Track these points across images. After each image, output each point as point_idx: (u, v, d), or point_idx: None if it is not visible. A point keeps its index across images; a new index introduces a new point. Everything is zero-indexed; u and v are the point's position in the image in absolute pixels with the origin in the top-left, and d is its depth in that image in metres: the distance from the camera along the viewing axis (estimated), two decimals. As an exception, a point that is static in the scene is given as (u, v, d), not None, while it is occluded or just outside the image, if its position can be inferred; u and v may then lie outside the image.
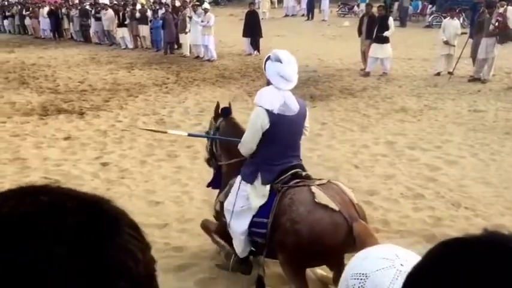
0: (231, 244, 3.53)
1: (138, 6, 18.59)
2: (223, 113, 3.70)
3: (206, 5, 15.41)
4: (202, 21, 14.37)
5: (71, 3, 22.84)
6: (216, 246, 3.92)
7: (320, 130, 7.50)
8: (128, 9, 18.11)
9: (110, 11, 18.64)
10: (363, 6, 20.18)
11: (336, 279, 3.12)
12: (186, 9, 15.85)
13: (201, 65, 13.82)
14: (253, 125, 3.14)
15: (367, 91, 10.19)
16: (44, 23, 22.06)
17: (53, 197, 0.53)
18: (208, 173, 4.20)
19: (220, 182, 3.74)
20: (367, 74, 11.71)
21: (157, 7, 18.04)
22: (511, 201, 5.02)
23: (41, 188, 0.55)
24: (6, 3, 28.87)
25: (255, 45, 15.28)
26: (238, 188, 3.30)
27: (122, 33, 17.78)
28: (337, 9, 27.02)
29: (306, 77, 11.10)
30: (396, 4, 24.18)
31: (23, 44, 20.11)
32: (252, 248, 3.44)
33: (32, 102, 9.75)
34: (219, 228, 3.69)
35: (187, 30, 15.20)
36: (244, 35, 15.59)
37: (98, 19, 19.06)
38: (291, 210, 2.99)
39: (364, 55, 12.20)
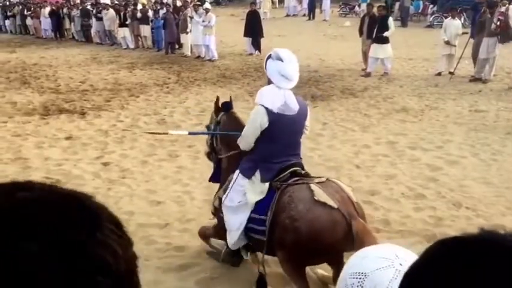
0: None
1: (139, 6, 18.58)
2: (224, 108, 3.71)
3: (207, 5, 15.42)
4: (203, 21, 14.37)
5: (72, 3, 22.86)
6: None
7: (321, 130, 7.50)
8: (129, 9, 18.11)
9: (111, 11, 18.65)
10: (364, 6, 20.15)
11: (335, 277, 3.12)
12: (187, 9, 15.85)
13: (202, 65, 13.82)
14: (252, 122, 3.16)
15: (368, 91, 10.19)
16: (46, 23, 22.08)
17: (34, 192, 0.53)
18: (209, 174, 4.20)
19: (220, 176, 3.74)
20: (368, 74, 11.70)
21: (159, 7, 18.07)
22: (512, 201, 5.02)
23: (22, 184, 0.55)
24: (7, 3, 28.91)
25: (256, 45, 15.28)
26: (234, 182, 3.31)
27: (123, 33, 17.79)
28: (338, 9, 27.00)
29: (307, 77, 11.11)
30: (397, 4, 24.16)
31: (24, 44, 20.14)
32: (248, 243, 3.45)
33: (33, 102, 9.76)
34: (217, 229, 3.69)
35: (188, 30, 15.21)
36: (246, 34, 15.59)
37: (99, 19, 19.08)
38: (290, 208, 3.00)
39: (365, 55, 12.19)
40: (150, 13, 17.61)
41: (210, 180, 4.00)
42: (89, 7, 20.89)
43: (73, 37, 21.52)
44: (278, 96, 3.12)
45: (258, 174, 3.23)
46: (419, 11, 24.95)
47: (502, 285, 0.48)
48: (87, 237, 0.51)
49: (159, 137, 6.91)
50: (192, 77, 12.19)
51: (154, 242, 4.28)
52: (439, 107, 8.84)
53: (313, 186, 3.01)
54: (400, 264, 0.99)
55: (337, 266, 3.06)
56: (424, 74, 11.90)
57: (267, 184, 3.21)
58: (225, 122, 3.66)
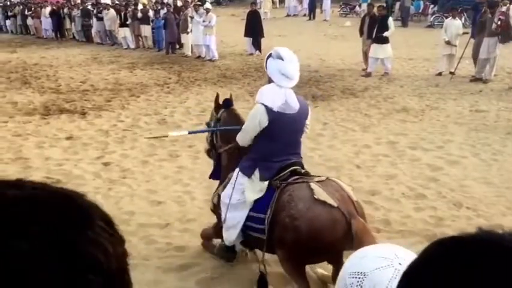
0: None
1: (140, 6, 18.60)
2: (225, 104, 3.71)
3: (208, 5, 15.43)
4: (203, 21, 14.38)
5: (72, 3, 22.87)
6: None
7: (322, 130, 7.50)
8: (129, 9, 18.12)
9: (112, 11, 18.66)
10: (364, 6, 20.16)
11: (335, 276, 3.13)
12: (188, 9, 15.85)
13: (202, 65, 13.83)
14: (252, 120, 3.17)
15: (369, 91, 10.19)
16: (46, 23, 22.09)
17: (25, 191, 0.53)
18: (210, 172, 4.21)
19: (219, 173, 3.75)
20: (368, 74, 11.70)
21: (159, 7, 18.06)
22: (513, 201, 5.02)
23: (13, 182, 0.55)
24: (8, 3, 28.91)
25: (257, 45, 15.28)
26: (236, 181, 3.32)
27: (124, 33, 17.79)
28: (339, 9, 27.01)
29: (307, 77, 11.11)
30: (398, 4, 24.16)
31: (25, 44, 20.15)
32: (247, 240, 3.46)
33: (34, 102, 9.76)
34: (217, 228, 3.70)
35: (189, 30, 15.21)
36: (246, 34, 15.60)
37: (100, 19, 19.08)
38: (290, 207, 3.00)
39: (366, 55, 12.19)
40: (151, 13, 17.61)
41: (210, 177, 4.01)
42: (89, 7, 20.89)
43: (74, 37, 21.52)
44: (279, 95, 3.12)
45: (257, 173, 3.23)
46: (420, 11, 24.94)
47: (499, 285, 0.48)
48: (78, 235, 0.51)
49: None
50: (192, 77, 12.19)
51: (154, 242, 4.29)
52: (439, 107, 8.84)
53: (313, 185, 3.01)
54: (400, 264, 0.99)
55: (337, 265, 3.07)
56: (425, 74, 11.90)
57: (266, 183, 3.21)
58: (225, 118, 3.65)
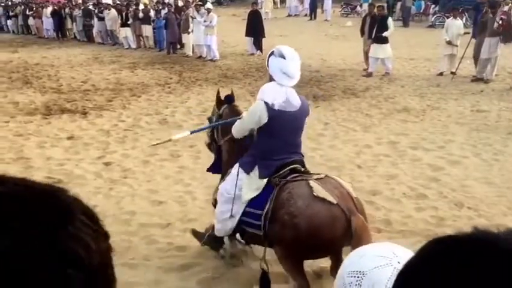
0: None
1: (141, 6, 18.62)
2: (227, 101, 3.72)
3: (209, 5, 15.44)
4: (205, 21, 14.39)
5: (74, 3, 22.91)
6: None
7: (323, 130, 7.50)
8: (130, 9, 18.13)
9: (113, 11, 18.68)
10: (365, 6, 20.15)
11: (334, 271, 3.13)
12: (189, 9, 15.85)
13: (203, 65, 13.83)
14: (251, 114, 3.18)
15: (370, 91, 10.19)
16: (47, 22, 22.11)
17: (6, 186, 0.53)
18: (211, 174, 4.21)
19: (219, 166, 3.76)
20: (369, 74, 11.70)
21: (160, 7, 18.07)
22: (514, 201, 5.01)
23: None
24: (9, 3, 28.94)
25: (258, 45, 15.28)
26: (234, 175, 3.32)
27: (125, 33, 17.80)
28: (340, 9, 27.00)
29: (308, 77, 11.11)
30: (399, 4, 24.14)
31: (26, 44, 20.17)
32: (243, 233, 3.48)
33: (35, 101, 9.78)
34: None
35: (190, 30, 15.21)
36: (247, 34, 15.60)
37: (101, 19, 19.10)
38: (289, 204, 3.00)
39: (367, 55, 12.18)
40: (152, 13, 17.62)
41: (208, 170, 4.03)
42: (90, 7, 20.92)
43: (75, 37, 21.54)
44: (280, 93, 3.12)
45: (256, 170, 3.24)
46: (421, 11, 24.91)
47: (494, 285, 0.48)
48: (58, 230, 0.51)
49: (160, 136, 6.91)
50: (193, 77, 12.20)
51: (155, 241, 4.29)
52: (440, 107, 8.83)
53: (312, 183, 3.01)
54: (398, 263, 0.99)
55: (336, 261, 3.08)
56: (426, 74, 11.89)
57: (264, 181, 3.22)
58: (227, 115, 3.66)
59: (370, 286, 0.99)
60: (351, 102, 9.28)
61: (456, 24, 11.68)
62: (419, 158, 6.27)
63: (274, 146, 3.22)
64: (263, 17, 17.27)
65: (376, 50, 11.61)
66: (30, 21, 23.94)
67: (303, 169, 3.30)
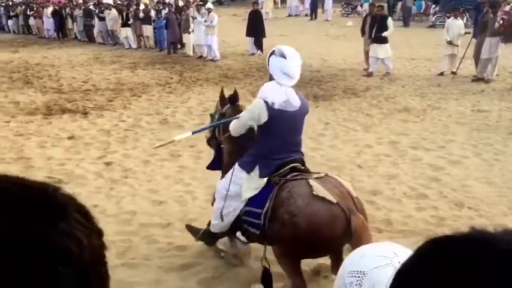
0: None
1: (142, 6, 18.63)
2: (231, 101, 3.71)
3: (209, 5, 15.43)
4: (205, 21, 14.39)
5: (74, 3, 22.95)
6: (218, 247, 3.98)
7: (323, 130, 7.50)
8: (131, 9, 18.15)
9: (114, 11, 18.68)
10: (366, 6, 20.15)
11: (334, 269, 3.14)
12: (190, 9, 15.86)
13: (204, 65, 13.83)
14: (250, 112, 3.18)
15: (370, 91, 10.18)
16: (48, 23, 22.13)
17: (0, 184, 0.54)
18: (211, 174, 4.22)
19: (219, 164, 3.76)
20: (370, 74, 11.70)
21: (161, 7, 18.08)
22: (514, 201, 5.01)
23: None
24: (10, 3, 28.97)
25: (258, 45, 15.28)
26: (232, 174, 3.33)
27: (126, 33, 17.82)
28: (341, 9, 27.01)
29: (309, 77, 11.11)
30: (399, 4, 24.13)
31: (27, 44, 20.18)
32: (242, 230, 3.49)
33: (36, 101, 9.78)
34: None
35: (190, 30, 15.22)
36: (248, 34, 15.60)
37: (102, 19, 19.11)
38: (288, 203, 3.00)
39: (368, 55, 12.18)
40: (153, 13, 17.63)
41: (208, 168, 4.03)
42: (91, 7, 20.94)
43: (75, 37, 21.55)
44: (280, 92, 3.13)
45: (257, 170, 3.24)
46: (422, 11, 24.90)
47: (491, 285, 0.49)
48: (48, 227, 0.51)
49: (161, 136, 6.93)
50: (194, 77, 12.20)
51: (156, 241, 4.29)
52: (441, 106, 8.83)
53: (311, 182, 3.01)
54: (399, 263, 0.98)
55: (336, 260, 3.08)
56: (426, 74, 11.89)
57: (264, 180, 3.22)
58: (230, 115, 3.64)
59: (371, 286, 0.99)
60: (352, 102, 9.28)
61: (457, 24, 11.67)
62: (419, 158, 6.27)
63: (274, 146, 3.22)
64: (264, 17, 17.27)
65: (376, 49, 11.61)
66: (31, 21, 23.97)
67: (302, 168, 3.30)
